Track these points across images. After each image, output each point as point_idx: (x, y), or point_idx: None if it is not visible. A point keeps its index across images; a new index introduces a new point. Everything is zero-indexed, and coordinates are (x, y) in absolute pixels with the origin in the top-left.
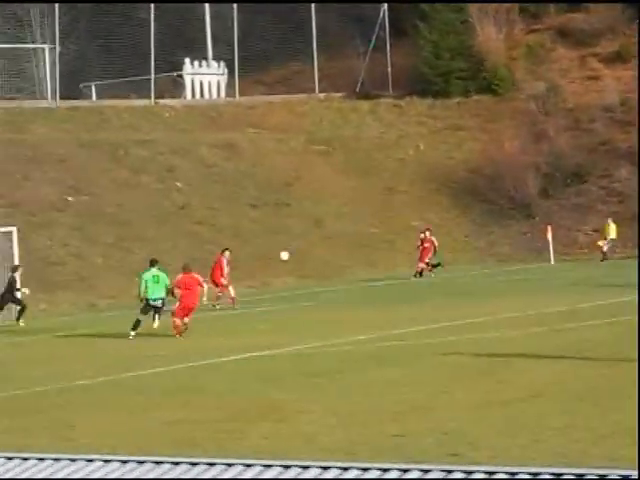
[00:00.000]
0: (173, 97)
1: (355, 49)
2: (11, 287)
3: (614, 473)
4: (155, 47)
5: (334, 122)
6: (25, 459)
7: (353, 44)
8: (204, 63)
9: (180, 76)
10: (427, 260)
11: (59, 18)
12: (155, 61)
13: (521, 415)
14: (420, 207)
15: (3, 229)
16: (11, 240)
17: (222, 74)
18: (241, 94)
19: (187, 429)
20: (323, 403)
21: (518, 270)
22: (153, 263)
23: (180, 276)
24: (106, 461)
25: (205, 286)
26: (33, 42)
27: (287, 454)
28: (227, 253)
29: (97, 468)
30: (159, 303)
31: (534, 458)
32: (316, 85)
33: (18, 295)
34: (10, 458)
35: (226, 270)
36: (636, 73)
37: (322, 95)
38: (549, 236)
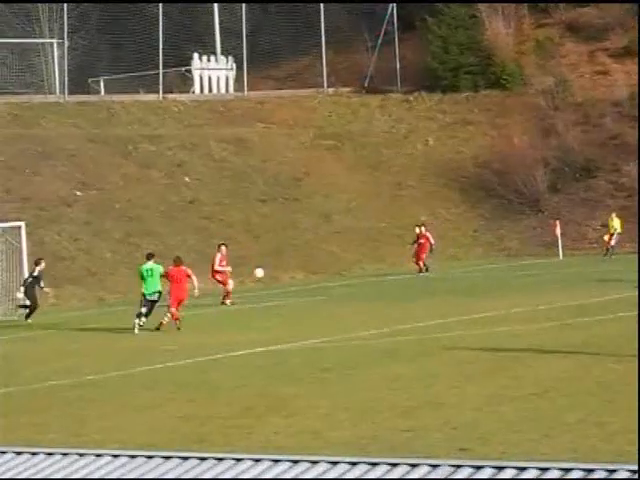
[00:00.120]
0: (181, 92)
1: (364, 44)
2: (37, 281)
3: (623, 469)
4: (164, 42)
5: (343, 117)
6: (34, 454)
7: (362, 39)
8: (212, 58)
9: (188, 71)
10: (422, 256)
11: (68, 13)
12: (164, 56)
13: (531, 410)
14: (429, 202)
15: (12, 224)
16: (20, 235)
17: (230, 69)
18: (250, 89)
19: (196, 424)
20: (332, 398)
21: (527, 265)
22: (149, 257)
23: (170, 268)
24: (115, 456)
25: (194, 278)
26: (42, 37)
27: (296, 449)
28: (223, 249)
29: (106, 463)
30: (156, 297)
31: (544, 453)
32: (325, 80)
33: (36, 294)
34: (19, 453)
35: (222, 265)
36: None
37: (331, 90)
38: (558, 231)
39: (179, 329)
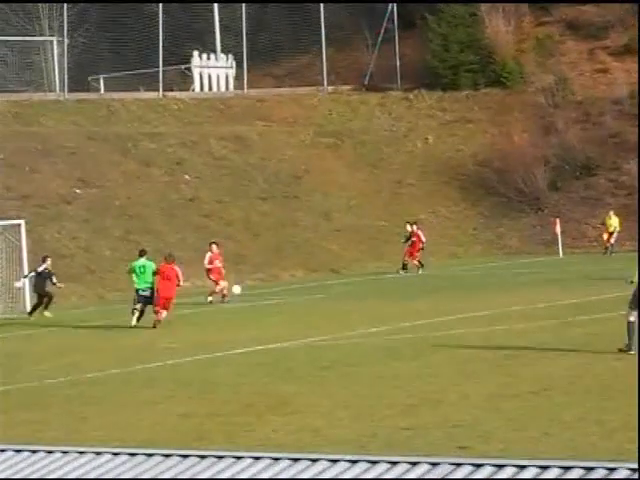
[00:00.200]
0: (181, 90)
1: (364, 42)
2: (47, 276)
3: (623, 467)
4: (163, 40)
5: (343, 115)
6: (34, 452)
7: (362, 37)
8: (212, 56)
9: (188, 69)
10: (416, 254)
11: (67, 11)
12: (163, 54)
13: (531, 408)
14: (429, 200)
15: (12, 222)
16: (20, 232)
17: (230, 67)
18: (249, 87)
19: (197, 422)
20: (332, 396)
21: (527, 263)
22: (142, 254)
23: (161, 265)
24: (115, 454)
25: (181, 280)
26: (42, 35)
27: (296, 447)
28: (214, 247)
29: (106, 461)
30: (148, 293)
31: (544, 451)
32: (325, 78)
33: (47, 288)
34: (19, 451)
35: (212, 263)
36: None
37: (331, 88)
38: (558, 229)
39: (154, 327)
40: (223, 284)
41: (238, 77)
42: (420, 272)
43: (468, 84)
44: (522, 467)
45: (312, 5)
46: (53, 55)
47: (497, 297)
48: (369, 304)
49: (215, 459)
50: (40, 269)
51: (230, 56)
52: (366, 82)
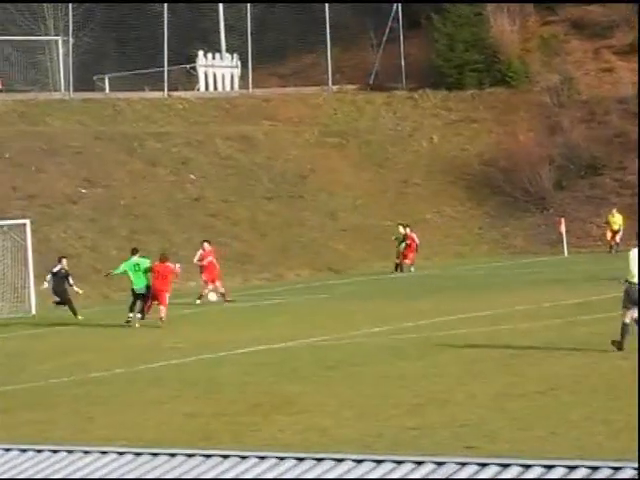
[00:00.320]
0: (187, 90)
1: (369, 41)
2: (64, 277)
3: (628, 466)
4: (169, 40)
5: (348, 115)
6: (39, 451)
7: (367, 37)
8: (217, 55)
9: (193, 69)
10: (410, 255)
11: (73, 11)
12: (169, 53)
13: (537, 408)
14: (434, 200)
15: (18, 221)
16: (25, 232)
17: (235, 66)
18: (255, 86)
19: (202, 421)
20: (338, 396)
21: (532, 263)
22: (134, 252)
23: (156, 264)
24: (120, 453)
25: (178, 271)
26: (47, 34)
27: (302, 447)
28: (205, 245)
29: (111, 460)
30: (144, 290)
31: (550, 451)
32: (330, 78)
33: (65, 287)
34: (24, 450)
35: (200, 261)
36: None
37: (336, 87)
38: (562, 228)
39: (142, 319)
40: (210, 287)
41: (243, 77)
42: (412, 270)
43: (473, 84)
44: (527, 467)
45: (317, 5)
46: (58, 55)
47: (502, 297)
48: (374, 304)
49: (220, 458)
50: (55, 270)
51: (235, 55)
52: (371, 82)
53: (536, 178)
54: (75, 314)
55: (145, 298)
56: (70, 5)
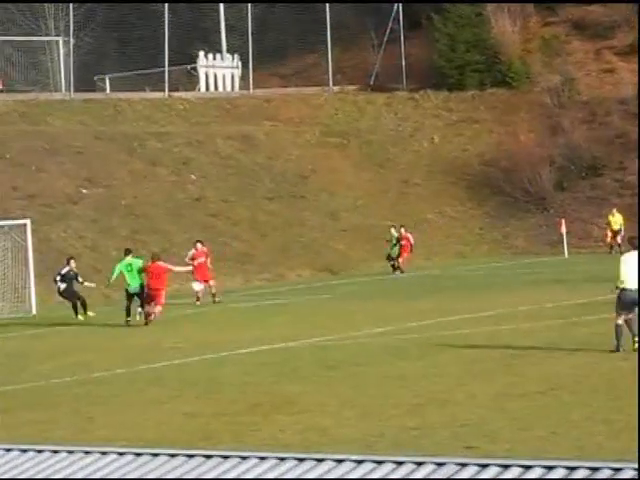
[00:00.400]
0: (187, 90)
1: (370, 42)
2: (75, 277)
3: (629, 467)
4: (169, 40)
5: (349, 115)
6: (39, 451)
7: (368, 37)
8: (218, 56)
9: (194, 69)
10: (404, 256)
11: (73, 11)
12: (169, 54)
13: (538, 408)
14: (435, 200)
15: (18, 221)
16: (25, 232)
17: (236, 67)
18: (255, 87)
19: (203, 421)
20: (339, 396)
21: (533, 263)
22: (127, 252)
23: (149, 264)
24: (120, 453)
25: (172, 267)
26: (48, 35)
27: (302, 447)
28: (198, 245)
29: (111, 460)
30: (138, 290)
31: (551, 451)
32: (330, 78)
33: (75, 288)
34: (25, 450)
35: (190, 262)
36: None
37: (337, 88)
38: (563, 229)
39: (146, 324)
40: (200, 287)
41: (244, 77)
42: (401, 275)
43: (474, 84)
44: (528, 467)
45: (318, 5)
46: (59, 55)
47: (503, 297)
48: (375, 304)
49: (221, 459)
50: (64, 271)
51: (236, 56)
52: (372, 82)
53: (537, 178)
54: (76, 313)
55: (140, 295)
56: (71, 5)
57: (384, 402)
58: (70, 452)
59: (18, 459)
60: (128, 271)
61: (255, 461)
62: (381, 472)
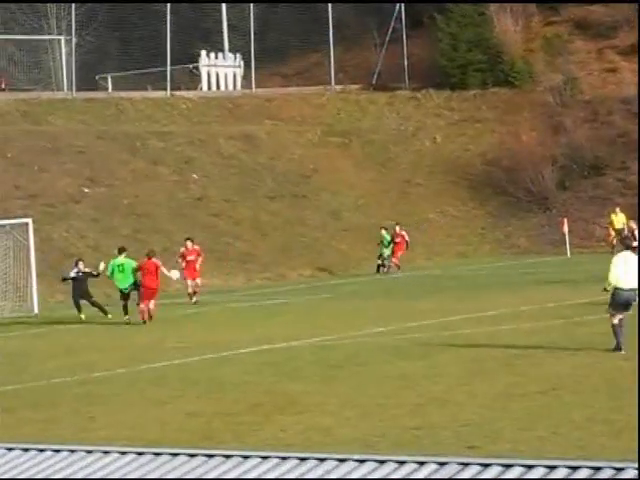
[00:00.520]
0: (189, 89)
1: (372, 41)
2: (86, 277)
3: (631, 467)
4: (171, 39)
5: (351, 114)
6: (41, 451)
7: (370, 36)
8: (220, 55)
9: (196, 68)
10: (398, 254)
11: (75, 10)
12: (171, 53)
13: (539, 408)
14: (437, 199)
15: (20, 220)
16: (27, 231)
17: (238, 66)
18: (257, 86)
19: (204, 421)
20: (340, 395)
21: (535, 263)
22: (121, 251)
23: (144, 261)
24: (122, 453)
25: (163, 269)
26: (50, 34)
27: (304, 446)
28: (188, 243)
29: (113, 460)
30: (130, 288)
31: (552, 451)
32: (332, 77)
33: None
34: (26, 449)
35: (183, 259)
36: None
37: (339, 87)
38: (565, 229)
39: (145, 322)
40: (190, 283)
41: (246, 76)
42: (388, 272)
43: (476, 83)
44: (530, 467)
45: (320, 4)
46: (61, 54)
47: (505, 297)
48: (376, 304)
49: (223, 458)
50: (73, 274)
51: (238, 55)
52: (374, 81)
53: (539, 178)
54: (79, 312)
55: (137, 288)
56: (73, 4)
57: (385, 402)
58: (72, 451)
59: (20, 458)
60: (120, 271)
61: (257, 461)
62: (383, 472)
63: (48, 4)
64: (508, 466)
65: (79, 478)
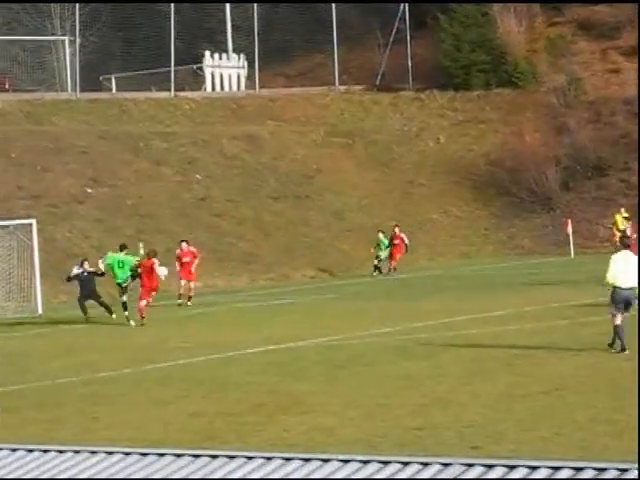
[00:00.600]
0: (193, 90)
1: (376, 42)
2: (92, 276)
3: (634, 468)
4: (175, 40)
5: (355, 115)
6: (45, 451)
7: (374, 37)
8: (224, 56)
9: (200, 69)
10: (397, 256)
11: (79, 11)
12: (175, 54)
13: (543, 408)
14: (440, 200)
15: (23, 221)
16: (31, 232)
17: (242, 67)
18: (261, 86)
19: (208, 421)
20: (344, 396)
21: (538, 263)
22: (122, 248)
23: (144, 261)
24: (126, 453)
25: (157, 269)
26: (54, 34)
27: (307, 447)
28: (183, 245)
29: (117, 460)
30: (129, 280)
31: (555, 452)
32: (336, 78)
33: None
34: (30, 450)
35: (178, 261)
36: None
37: (343, 88)
38: (569, 229)
39: (142, 325)
40: (183, 283)
41: (250, 77)
42: (387, 274)
43: (480, 84)
44: (534, 468)
45: (323, 5)
46: (65, 54)
47: (508, 297)
48: (380, 304)
49: (226, 459)
50: (76, 270)
51: (242, 56)
52: (378, 82)
53: (542, 179)
54: (85, 313)
55: (133, 278)
56: (77, 5)
57: (389, 402)
58: (76, 452)
59: (24, 459)
60: (119, 267)
61: (261, 461)
62: (387, 472)
63: (52, 4)
64: (512, 467)
65: (83, 478)
